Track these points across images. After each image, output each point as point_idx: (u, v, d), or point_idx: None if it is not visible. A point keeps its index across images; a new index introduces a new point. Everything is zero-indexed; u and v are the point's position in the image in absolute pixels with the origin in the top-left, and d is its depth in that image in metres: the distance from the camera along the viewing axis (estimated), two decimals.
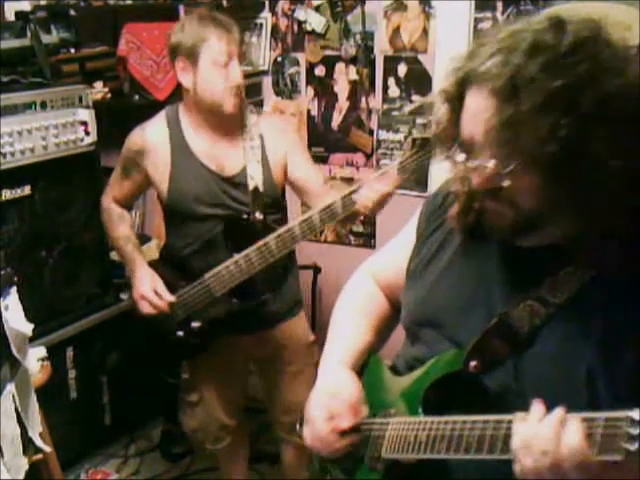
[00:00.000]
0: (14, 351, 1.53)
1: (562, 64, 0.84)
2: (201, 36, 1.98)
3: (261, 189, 2.11)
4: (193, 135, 2.13)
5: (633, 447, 0.73)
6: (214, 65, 1.98)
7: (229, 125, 2.12)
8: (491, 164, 0.89)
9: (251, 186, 2.10)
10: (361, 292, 1.35)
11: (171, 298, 2.15)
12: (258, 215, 2.09)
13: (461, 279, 1.08)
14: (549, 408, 0.84)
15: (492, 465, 0.90)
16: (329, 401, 1.17)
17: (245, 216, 2.09)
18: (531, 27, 0.89)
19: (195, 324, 2.17)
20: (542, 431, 0.82)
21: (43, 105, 2.44)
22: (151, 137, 2.13)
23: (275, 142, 2.15)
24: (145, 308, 2.16)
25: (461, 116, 0.93)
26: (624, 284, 0.92)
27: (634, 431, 0.73)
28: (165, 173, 2.13)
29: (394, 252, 1.30)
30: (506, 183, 0.89)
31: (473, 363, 1.00)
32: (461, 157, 0.94)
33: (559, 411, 0.83)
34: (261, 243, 1.98)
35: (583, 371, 0.92)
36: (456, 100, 0.94)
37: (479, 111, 0.89)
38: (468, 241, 1.08)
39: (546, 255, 0.97)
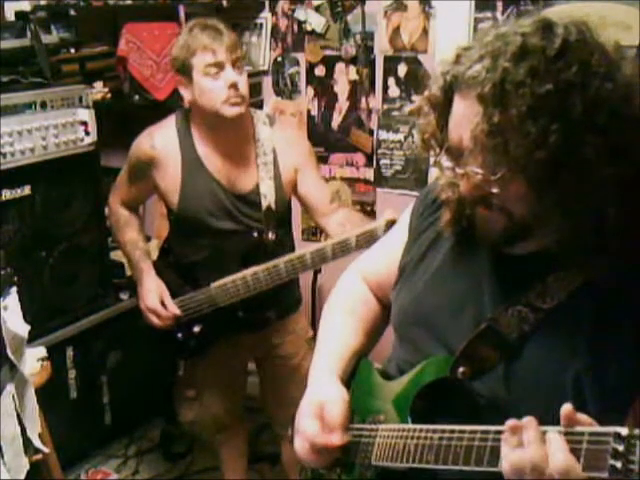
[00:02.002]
0: (9, 353, 1.53)
1: (551, 68, 0.83)
2: (190, 49, 1.96)
3: (274, 208, 2.09)
4: (204, 148, 2.09)
5: (618, 464, 0.70)
6: (206, 76, 1.96)
7: (240, 138, 2.09)
8: (479, 171, 0.88)
9: (264, 205, 2.08)
10: (351, 294, 1.33)
11: (177, 311, 2.14)
12: (271, 235, 2.09)
13: (452, 281, 1.07)
14: (537, 415, 0.82)
15: (484, 474, 0.88)
16: (319, 414, 1.12)
17: (256, 234, 2.08)
18: (519, 30, 0.87)
19: (196, 328, 2.17)
20: (530, 457, 0.78)
21: (43, 105, 2.44)
22: (161, 148, 2.09)
23: (287, 156, 2.12)
24: (153, 320, 2.16)
25: (449, 121, 0.92)
26: (613, 290, 0.91)
27: (620, 447, 0.70)
28: (175, 185, 2.09)
29: (385, 250, 1.29)
30: (494, 190, 0.88)
31: (462, 369, 0.98)
32: (449, 163, 0.93)
33: (537, 430, 0.79)
34: (271, 265, 1.99)
35: (570, 377, 0.91)
36: (443, 105, 0.93)
37: (466, 116, 0.87)
38: (460, 244, 1.07)
39: (536, 261, 0.96)
